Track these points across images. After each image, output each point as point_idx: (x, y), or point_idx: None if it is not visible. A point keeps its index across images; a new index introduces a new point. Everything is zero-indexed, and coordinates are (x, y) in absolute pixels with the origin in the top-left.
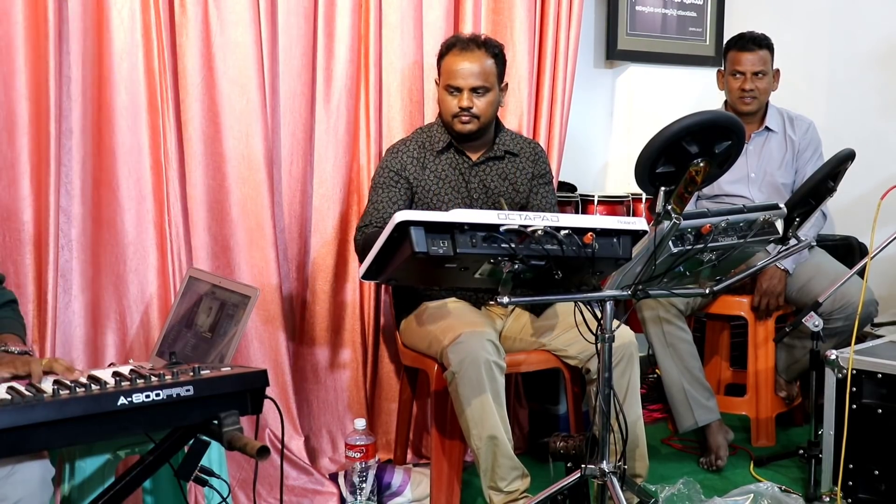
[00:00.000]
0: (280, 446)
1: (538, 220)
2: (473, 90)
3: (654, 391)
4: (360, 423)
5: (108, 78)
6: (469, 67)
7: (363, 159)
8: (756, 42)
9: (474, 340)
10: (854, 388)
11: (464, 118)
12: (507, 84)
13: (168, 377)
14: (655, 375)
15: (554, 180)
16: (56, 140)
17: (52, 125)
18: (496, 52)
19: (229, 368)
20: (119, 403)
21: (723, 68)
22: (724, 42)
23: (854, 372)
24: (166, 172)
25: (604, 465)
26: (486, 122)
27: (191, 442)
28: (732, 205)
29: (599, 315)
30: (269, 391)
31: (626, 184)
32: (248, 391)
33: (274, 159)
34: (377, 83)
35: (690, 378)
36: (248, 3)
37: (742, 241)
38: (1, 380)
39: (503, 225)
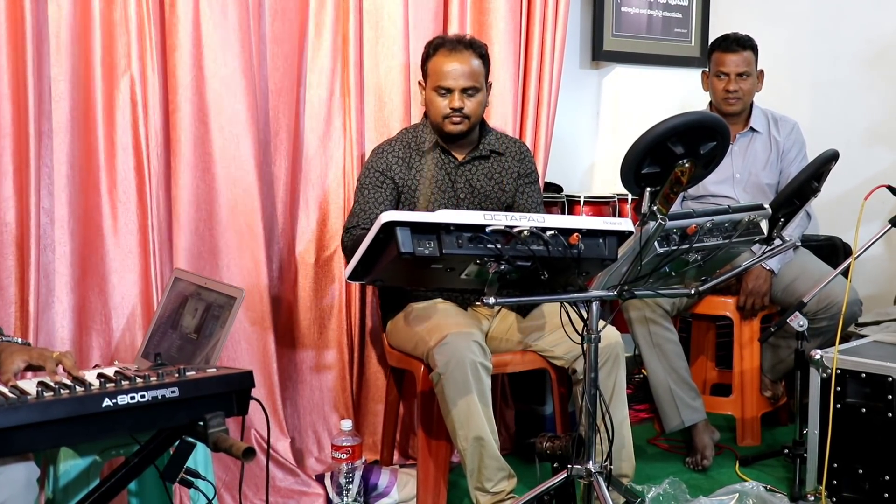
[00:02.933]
0: (266, 447)
1: (524, 221)
2: (464, 91)
3: (640, 391)
4: (347, 423)
5: (93, 78)
6: (459, 68)
7: (348, 160)
8: (740, 43)
9: (460, 341)
10: (838, 388)
11: (455, 119)
12: (491, 84)
13: (153, 379)
14: (642, 376)
15: (540, 180)
16: (37, 140)
17: (32, 125)
18: (482, 53)
19: (215, 370)
20: (104, 405)
21: (707, 69)
22: (709, 43)
23: (838, 371)
24: (148, 173)
25: (590, 466)
26: (475, 122)
27: (176, 443)
28: (717, 205)
29: (585, 315)
30: (256, 392)
31: (612, 184)
32: (233, 392)
33: (263, 160)
34: (359, 84)
35: (677, 378)
36: (238, 3)
37: (727, 241)
38: (17, 369)
39: (489, 225)
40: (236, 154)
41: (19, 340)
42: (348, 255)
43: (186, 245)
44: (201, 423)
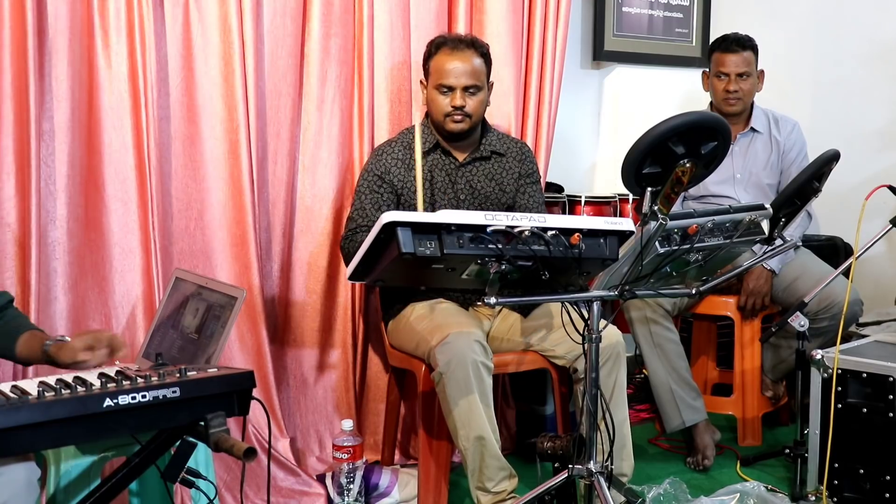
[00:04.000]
0: (267, 447)
1: (525, 221)
2: (465, 89)
3: (641, 391)
4: (348, 423)
5: (94, 77)
6: (462, 67)
7: (357, 159)
8: (740, 43)
9: (461, 341)
10: (839, 388)
11: (456, 117)
12: (492, 83)
13: (154, 378)
14: (642, 375)
15: (541, 180)
16: (38, 140)
17: (33, 126)
18: (484, 52)
19: (216, 370)
20: (105, 405)
21: (708, 70)
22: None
23: (839, 371)
24: (149, 172)
25: (591, 465)
26: (476, 122)
27: (177, 443)
28: (718, 205)
29: (586, 315)
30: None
31: (613, 184)
32: (234, 392)
33: (258, 160)
34: (370, 83)
35: (677, 378)
36: (230, 4)
37: (728, 241)
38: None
39: (490, 226)
40: (228, 154)
41: (68, 339)
42: (347, 260)
43: (181, 244)
44: (202, 423)
